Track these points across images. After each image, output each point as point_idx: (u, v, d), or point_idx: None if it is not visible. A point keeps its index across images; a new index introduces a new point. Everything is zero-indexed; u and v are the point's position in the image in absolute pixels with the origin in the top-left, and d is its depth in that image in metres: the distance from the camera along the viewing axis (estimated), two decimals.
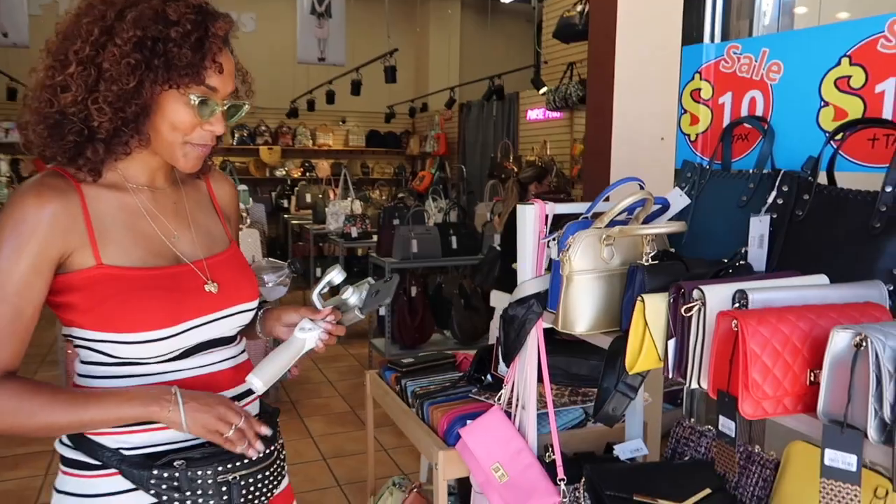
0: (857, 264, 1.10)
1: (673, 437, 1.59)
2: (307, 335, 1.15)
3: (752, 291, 1.00)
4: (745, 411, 0.94)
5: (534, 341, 1.55)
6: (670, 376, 1.10)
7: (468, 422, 1.63)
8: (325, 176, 10.17)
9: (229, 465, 1.08)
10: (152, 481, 1.05)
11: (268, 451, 1.15)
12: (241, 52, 1.17)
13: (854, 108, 1.23)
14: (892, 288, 1.06)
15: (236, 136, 10.27)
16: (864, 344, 0.84)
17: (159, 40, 1.01)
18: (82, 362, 1.12)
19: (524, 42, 9.71)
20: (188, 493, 1.05)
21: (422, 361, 2.21)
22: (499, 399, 1.62)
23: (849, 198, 1.16)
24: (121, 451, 1.07)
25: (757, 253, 1.26)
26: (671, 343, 1.08)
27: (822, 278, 1.09)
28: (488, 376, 1.91)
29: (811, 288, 1.05)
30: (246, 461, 1.11)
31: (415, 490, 2.11)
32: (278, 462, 1.19)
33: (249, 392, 1.22)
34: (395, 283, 1.23)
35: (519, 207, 1.56)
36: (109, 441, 1.08)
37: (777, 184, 1.28)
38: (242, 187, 4.96)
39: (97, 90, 1.01)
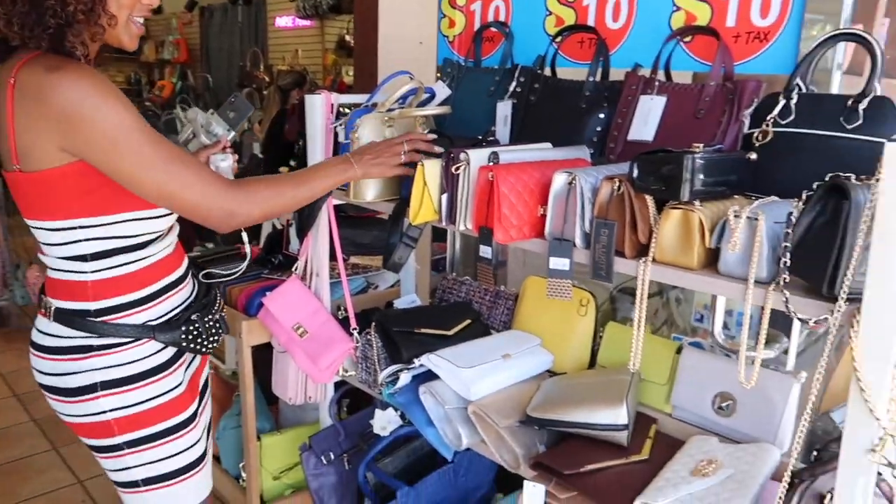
0: (570, 134, 1.50)
1: (440, 288, 1.95)
2: (229, 160, 1.40)
3: (501, 153, 1.34)
4: (498, 238, 1.29)
5: (325, 216, 1.77)
6: (443, 224, 1.42)
7: (267, 293, 1.82)
8: None
9: (215, 308, 1.37)
10: (182, 336, 1.28)
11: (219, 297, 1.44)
12: None
13: (569, 17, 1.62)
14: (592, 151, 1.48)
15: None
16: (574, 181, 1.22)
17: None
18: (86, 259, 1.19)
19: None
20: (204, 336, 1.32)
21: (208, 253, 2.31)
22: (295, 269, 1.84)
23: (565, 86, 1.55)
24: (147, 323, 1.25)
25: (503, 130, 1.61)
26: (444, 197, 1.39)
27: (548, 145, 1.47)
28: (279, 257, 2.11)
29: (541, 151, 1.43)
30: (217, 305, 1.39)
31: (211, 372, 2.25)
32: None
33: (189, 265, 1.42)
34: (241, 97, 1.49)
35: (307, 98, 1.74)
36: (137, 318, 1.24)
37: (516, 76, 1.64)
38: None
39: None
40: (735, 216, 1.03)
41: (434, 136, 1.47)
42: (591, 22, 1.58)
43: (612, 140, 1.45)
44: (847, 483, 0.91)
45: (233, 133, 1.47)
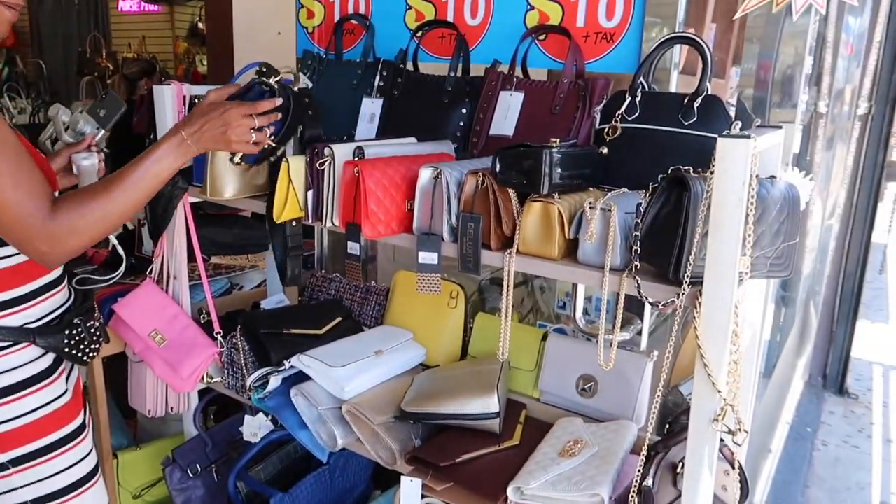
0: (434, 129, 1.51)
1: (308, 286, 1.91)
2: (93, 159, 1.29)
3: (367, 147, 1.32)
4: (366, 233, 1.27)
5: (182, 215, 1.67)
6: (310, 221, 1.38)
7: (119, 299, 1.69)
8: None
9: (95, 314, 1.30)
10: (64, 341, 1.20)
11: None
12: None
13: (429, 12, 1.63)
14: (456, 145, 1.50)
15: None
16: (439, 175, 1.23)
17: None
18: None
19: None
20: (87, 342, 1.24)
21: None
22: (150, 273, 1.72)
23: (427, 80, 1.56)
24: (26, 326, 1.17)
25: (367, 126, 1.60)
26: (310, 194, 1.35)
27: (413, 139, 1.48)
28: (131, 259, 1.96)
29: (406, 145, 1.43)
30: (96, 313, 1.30)
31: None
32: None
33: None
34: (113, 94, 1.42)
35: (156, 89, 1.62)
36: (14, 320, 1.15)
37: (378, 70, 1.62)
38: None
39: None
40: (591, 208, 1.08)
41: (279, 100, 1.27)
42: (450, 18, 1.60)
43: (475, 135, 1.48)
44: (696, 451, 0.99)
45: (102, 132, 1.40)
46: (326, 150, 1.31)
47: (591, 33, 1.44)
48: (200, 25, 6.09)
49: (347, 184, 1.28)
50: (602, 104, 1.33)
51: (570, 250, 1.15)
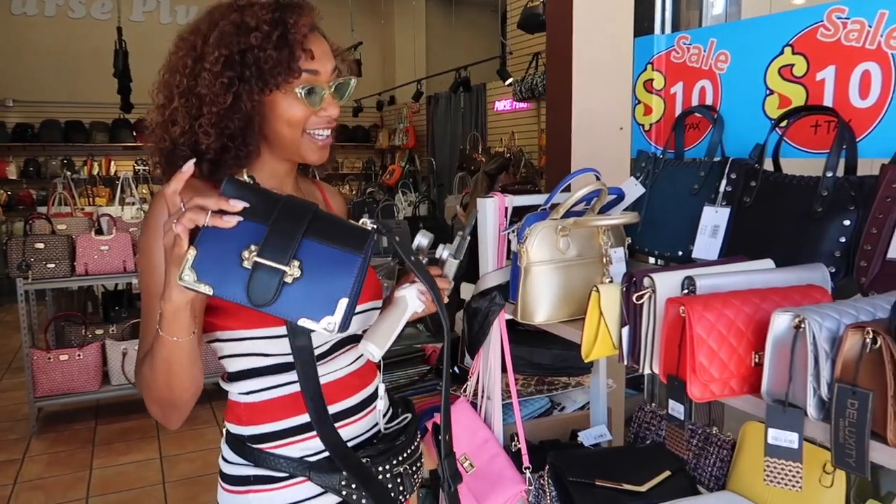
0: (801, 248, 1.13)
1: (635, 421, 1.62)
2: (405, 292, 1.20)
3: (699, 278, 1.03)
4: (693, 394, 0.97)
5: (497, 333, 1.56)
6: (625, 363, 1.13)
7: (435, 414, 1.64)
8: None
9: (400, 458, 1.15)
10: (343, 482, 1.09)
11: (418, 443, 1.23)
12: None
13: (797, 96, 1.26)
14: (833, 270, 1.10)
15: None
16: (802, 325, 0.87)
17: (245, 51, 1.03)
18: (231, 379, 1.12)
19: (490, 33, 9.71)
20: (373, 488, 1.09)
21: (393, 356, 2.22)
22: (464, 391, 1.64)
23: (793, 183, 1.19)
24: (305, 458, 1.11)
25: (709, 241, 1.29)
26: (625, 330, 1.11)
27: (768, 262, 1.12)
28: (455, 369, 1.93)
29: (757, 272, 1.08)
30: (409, 452, 1.17)
31: None
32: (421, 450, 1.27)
33: (375, 395, 1.23)
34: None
35: (479, 200, 1.57)
36: (294, 451, 1.11)
37: (726, 172, 1.31)
38: None
39: (200, 115, 1.03)
40: None
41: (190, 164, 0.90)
42: (828, 101, 1.21)
43: (863, 257, 1.06)
44: None
45: (452, 260, 1.30)
46: (646, 281, 1.05)
47: None
48: None
49: (670, 326, 1.00)
50: None
51: None
